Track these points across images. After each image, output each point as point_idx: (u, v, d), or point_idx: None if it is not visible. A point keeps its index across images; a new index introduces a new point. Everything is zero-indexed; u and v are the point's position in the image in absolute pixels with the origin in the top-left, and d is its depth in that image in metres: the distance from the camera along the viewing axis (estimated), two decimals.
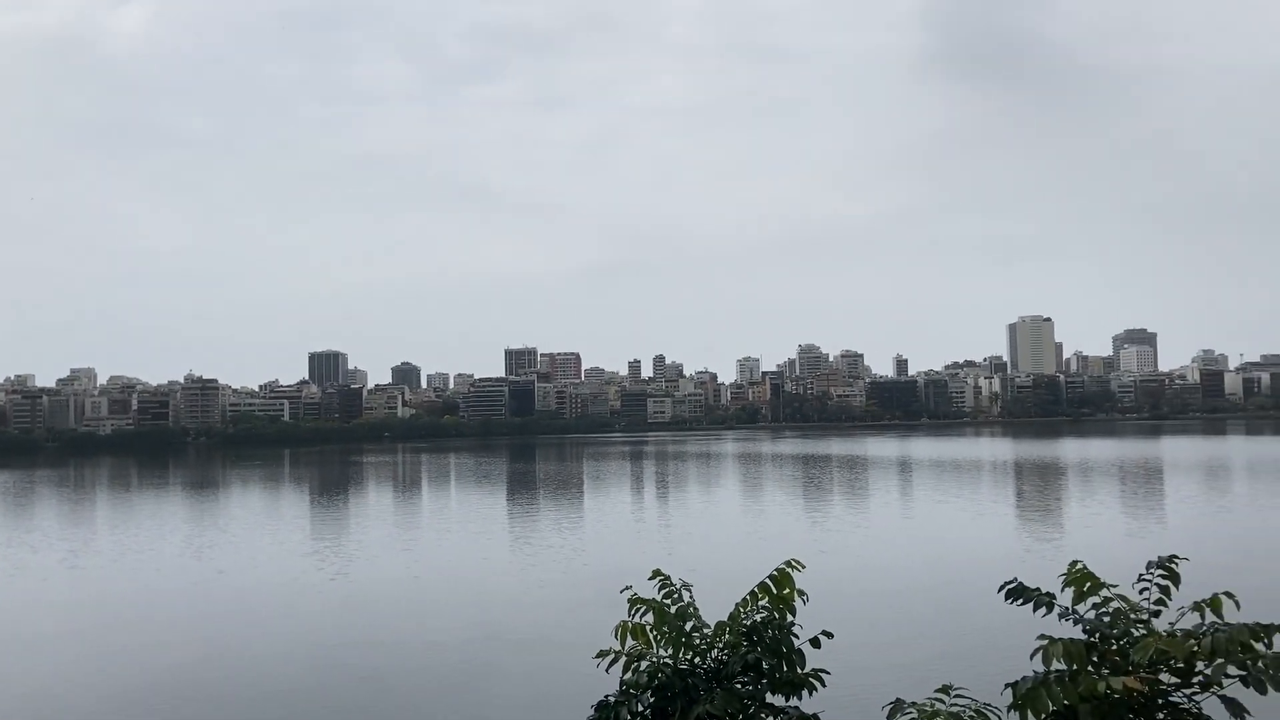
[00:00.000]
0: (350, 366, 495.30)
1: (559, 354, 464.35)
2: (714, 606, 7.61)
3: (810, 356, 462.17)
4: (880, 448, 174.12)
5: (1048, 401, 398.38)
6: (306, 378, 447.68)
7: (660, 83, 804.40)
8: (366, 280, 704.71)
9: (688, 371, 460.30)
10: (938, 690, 6.52)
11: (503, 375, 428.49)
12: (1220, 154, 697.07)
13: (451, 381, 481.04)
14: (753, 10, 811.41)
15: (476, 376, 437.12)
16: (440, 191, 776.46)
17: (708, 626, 7.22)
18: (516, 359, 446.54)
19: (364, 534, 64.15)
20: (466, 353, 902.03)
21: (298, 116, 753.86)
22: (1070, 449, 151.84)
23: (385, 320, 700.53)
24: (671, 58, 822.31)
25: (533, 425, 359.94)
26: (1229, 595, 6.59)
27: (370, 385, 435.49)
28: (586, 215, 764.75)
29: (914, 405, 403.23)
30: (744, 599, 7.28)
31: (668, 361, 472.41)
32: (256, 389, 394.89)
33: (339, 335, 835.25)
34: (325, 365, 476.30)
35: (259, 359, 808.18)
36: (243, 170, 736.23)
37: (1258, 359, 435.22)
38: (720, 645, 7.08)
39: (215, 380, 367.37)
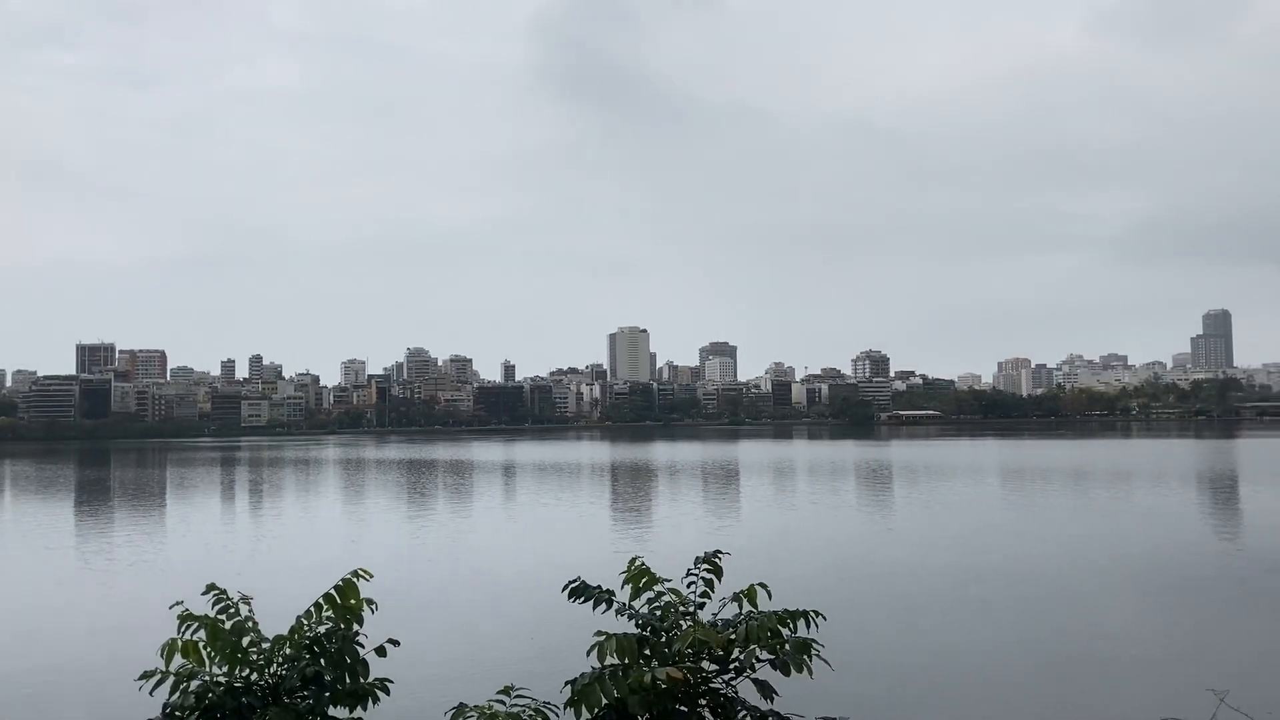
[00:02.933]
0: None
1: (141, 351, 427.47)
2: (285, 620, 7.24)
3: (419, 360, 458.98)
4: (485, 452, 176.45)
5: (642, 407, 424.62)
6: None
7: (262, 68, 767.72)
8: None
9: (288, 373, 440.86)
10: (500, 692, 6.65)
11: (73, 373, 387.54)
12: (795, 187, 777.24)
13: (9, 379, 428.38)
14: (365, 4, 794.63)
15: (41, 374, 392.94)
16: None
17: (267, 641, 6.87)
18: (90, 355, 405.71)
19: None
20: (29, 347, 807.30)
21: None
22: (661, 452, 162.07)
23: None
24: (275, 43, 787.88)
25: (108, 428, 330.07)
26: (762, 585, 7.29)
27: None
28: (176, 202, 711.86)
29: (520, 410, 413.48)
30: (308, 610, 7.01)
31: (265, 362, 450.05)
32: None
33: None
34: None
35: None
36: None
37: (819, 371, 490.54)
38: (280, 659, 6.75)
39: None
